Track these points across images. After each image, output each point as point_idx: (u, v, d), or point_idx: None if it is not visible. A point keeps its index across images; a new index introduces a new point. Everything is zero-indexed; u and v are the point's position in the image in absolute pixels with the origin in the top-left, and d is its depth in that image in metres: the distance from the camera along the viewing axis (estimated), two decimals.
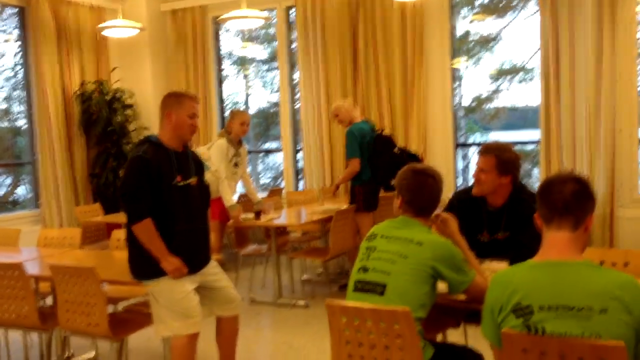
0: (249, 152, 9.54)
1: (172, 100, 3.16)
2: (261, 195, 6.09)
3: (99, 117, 7.16)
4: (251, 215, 5.41)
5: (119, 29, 6.34)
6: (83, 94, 7.23)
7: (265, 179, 9.85)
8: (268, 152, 9.53)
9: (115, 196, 6.75)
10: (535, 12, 6.11)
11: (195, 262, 3.18)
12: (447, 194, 6.29)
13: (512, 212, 2.94)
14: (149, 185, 2.99)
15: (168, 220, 3.05)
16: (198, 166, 3.30)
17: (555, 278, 1.84)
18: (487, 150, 2.95)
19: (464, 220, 2.77)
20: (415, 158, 5.39)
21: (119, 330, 3.34)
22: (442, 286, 2.45)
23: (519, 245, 2.79)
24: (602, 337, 1.75)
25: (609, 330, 1.74)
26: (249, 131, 5.78)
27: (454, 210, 2.98)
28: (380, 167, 5.23)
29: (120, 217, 5.48)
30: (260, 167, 9.97)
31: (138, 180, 2.99)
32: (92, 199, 7.27)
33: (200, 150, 5.19)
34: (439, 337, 3.05)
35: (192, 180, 3.19)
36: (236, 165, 5.49)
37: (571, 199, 1.88)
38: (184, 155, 3.20)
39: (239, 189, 6.11)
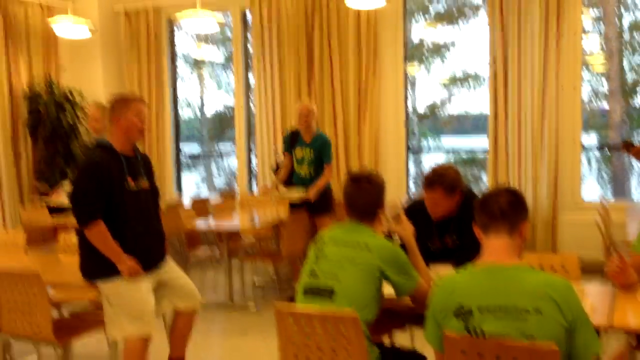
0: (202, 155, 9.49)
1: (120, 105, 3.18)
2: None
3: (48, 117, 6.97)
4: None
5: (69, 30, 6.20)
6: (31, 93, 7.03)
7: (219, 182, 9.79)
8: (221, 155, 9.49)
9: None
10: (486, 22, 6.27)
11: (150, 260, 3.19)
12: (400, 197, 6.39)
13: (460, 218, 3.02)
14: (100, 188, 3.00)
15: (121, 224, 3.06)
16: (149, 170, 3.33)
17: (493, 280, 1.93)
18: (431, 183, 2.98)
19: (415, 229, 2.83)
20: None
21: (63, 335, 3.25)
22: (389, 291, 2.50)
23: (464, 249, 2.87)
24: (536, 337, 1.82)
25: (543, 330, 1.82)
26: (204, 133, 5.65)
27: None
28: None
29: (66, 219, 5.36)
30: (214, 170, 9.91)
31: (89, 184, 3.01)
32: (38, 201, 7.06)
33: None
34: (386, 340, 3.09)
35: (144, 184, 3.23)
36: None
37: (507, 206, 2.01)
38: (135, 159, 3.23)
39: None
